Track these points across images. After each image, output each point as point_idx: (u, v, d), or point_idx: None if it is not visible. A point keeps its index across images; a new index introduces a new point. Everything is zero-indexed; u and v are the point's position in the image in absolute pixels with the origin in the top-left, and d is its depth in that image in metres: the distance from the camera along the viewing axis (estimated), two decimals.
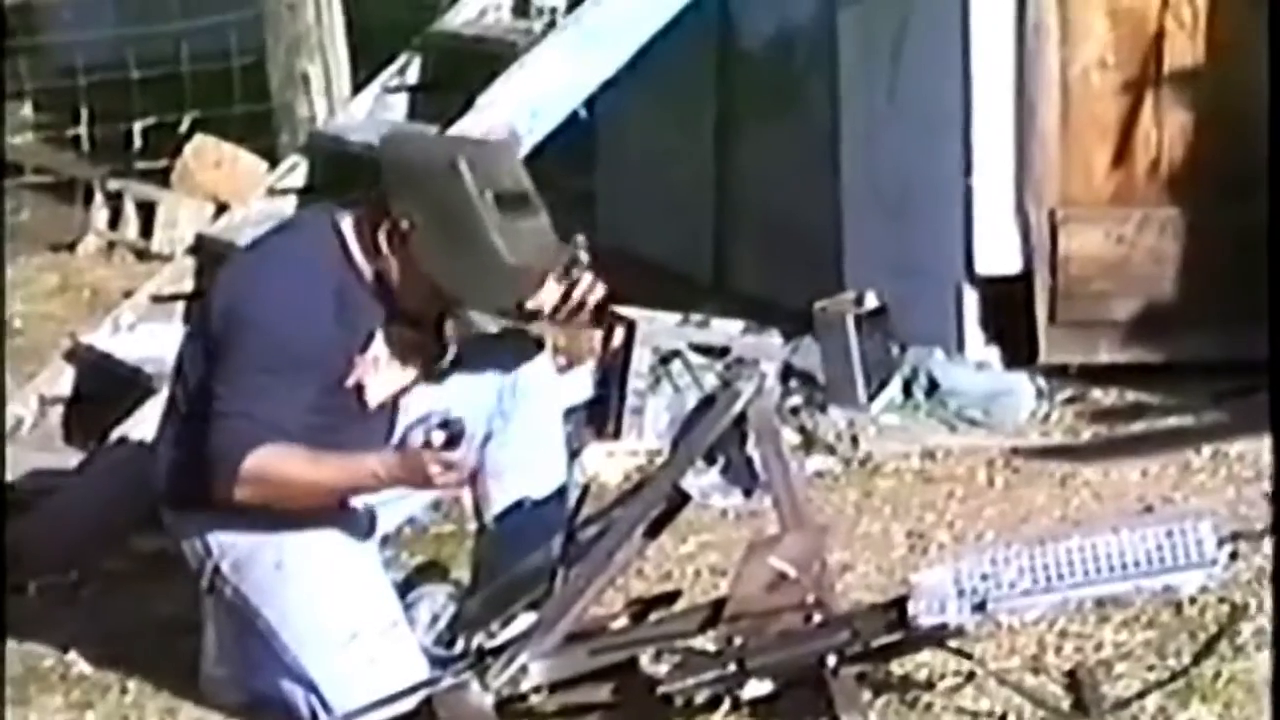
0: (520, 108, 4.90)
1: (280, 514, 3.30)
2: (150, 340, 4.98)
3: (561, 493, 3.59)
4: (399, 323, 3.34)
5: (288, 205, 5.35)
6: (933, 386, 5.22)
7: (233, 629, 3.46)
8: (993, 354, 5.38)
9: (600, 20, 5.10)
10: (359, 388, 3.33)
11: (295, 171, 5.49)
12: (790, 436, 4.88)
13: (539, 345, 3.62)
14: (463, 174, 3.22)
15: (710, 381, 5.08)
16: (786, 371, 5.31)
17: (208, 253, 5.26)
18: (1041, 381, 5.25)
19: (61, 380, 5.12)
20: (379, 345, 3.35)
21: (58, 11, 10.07)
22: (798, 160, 6.03)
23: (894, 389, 5.22)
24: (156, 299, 5.27)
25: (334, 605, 3.29)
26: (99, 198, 7.53)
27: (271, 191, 5.48)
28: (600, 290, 3.46)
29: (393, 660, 3.29)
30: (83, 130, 7.94)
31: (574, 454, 4.11)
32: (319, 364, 3.26)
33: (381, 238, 3.28)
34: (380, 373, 3.35)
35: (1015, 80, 5.28)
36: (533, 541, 3.42)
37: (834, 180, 5.80)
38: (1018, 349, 5.32)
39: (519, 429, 3.52)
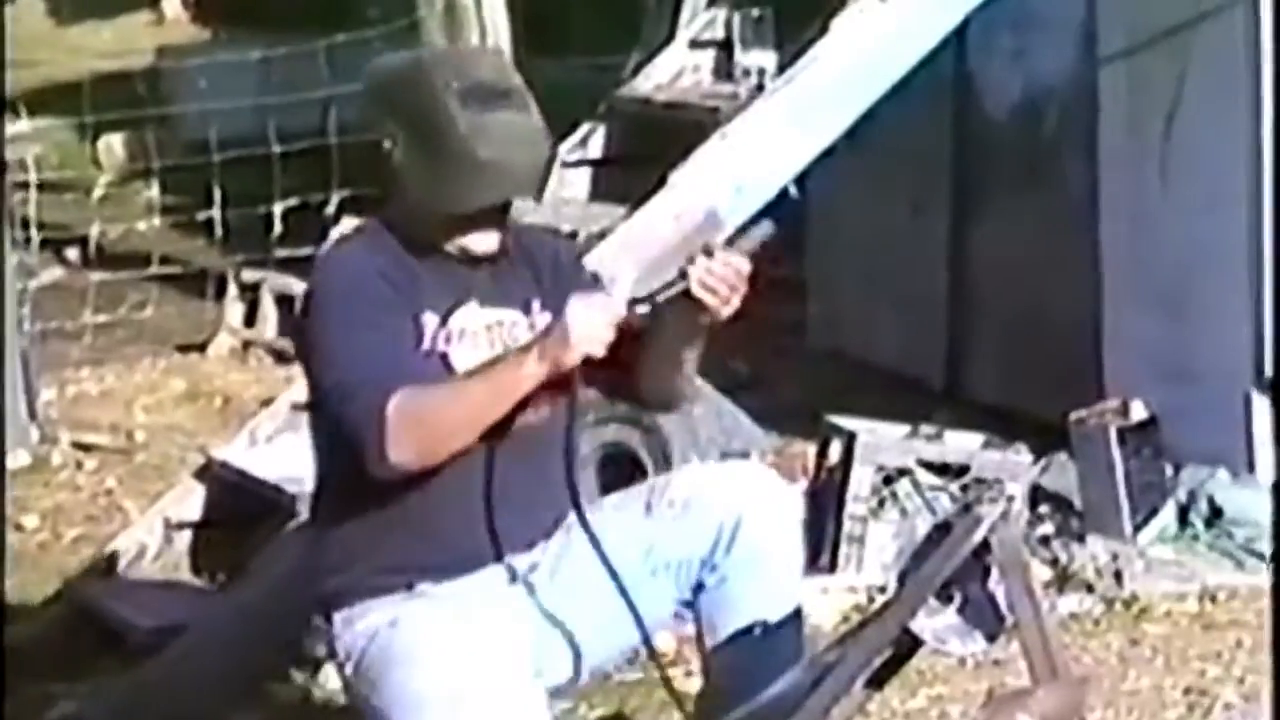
0: (722, 184, 4.94)
1: (397, 606, 3.40)
2: (291, 455, 5.06)
3: (796, 621, 3.57)
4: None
5: None
6: (1214, 514, 5.19)
7: None
8: None
9: (816, 83, 5.13)
10: (444, 359, 3.46)
11: None
12: (1041, 571, 4.86)
13: (763, 472, 3.64)
14: (427, 69, 3.50)
15: (944, 505, 5.09)
16: (1036, 494, 5.30)
17: None
18: None
19: (190, 501, 5.23)
20: (462, 319, 3.50)
21: (191, 78, 10.34)
22: (1048, 245, 6.03)
23: (1166, 516, 5.19)
24: (298, 407, 5.36)
25: (432, 674, 3.33)
26: (233, 291, 7.72)
27: None
28: (743, 269, 3.40)
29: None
30: (216, 213, 8.12)
31: None
32: (393, 301, 3.44)
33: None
34: (468, 347, 3.49)
35: None
36: (756, 684, 3.42)
37: (1092, 269, 5.79)
38: None
39: (742, 586, 3.53)
